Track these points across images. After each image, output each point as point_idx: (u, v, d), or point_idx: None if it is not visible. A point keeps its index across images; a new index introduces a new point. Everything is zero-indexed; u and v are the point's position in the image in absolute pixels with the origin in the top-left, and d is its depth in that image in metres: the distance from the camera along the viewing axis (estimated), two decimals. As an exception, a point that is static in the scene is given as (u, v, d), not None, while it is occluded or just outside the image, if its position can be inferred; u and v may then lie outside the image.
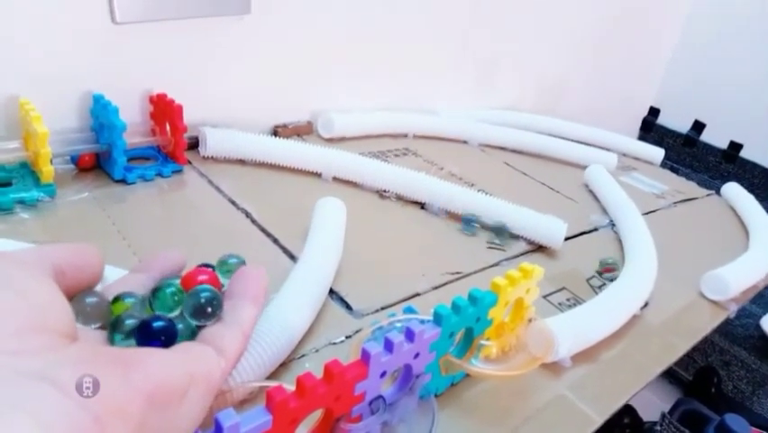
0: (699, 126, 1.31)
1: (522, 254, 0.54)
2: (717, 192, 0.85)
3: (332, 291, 0.42)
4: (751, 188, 0.85)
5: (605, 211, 0.68)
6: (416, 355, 0.29)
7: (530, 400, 0.36)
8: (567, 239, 0.56)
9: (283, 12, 0.64)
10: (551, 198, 0.71)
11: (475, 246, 0.54)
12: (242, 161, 0.60)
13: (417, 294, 0.45)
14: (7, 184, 0.47)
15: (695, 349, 0.47)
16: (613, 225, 0.65)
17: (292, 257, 0.46)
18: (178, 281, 0.27)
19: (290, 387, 0.23)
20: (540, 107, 1.05)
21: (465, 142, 0.83)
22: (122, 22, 0.52)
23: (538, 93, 1.08)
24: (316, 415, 0.26)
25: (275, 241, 0.48)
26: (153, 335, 0.23)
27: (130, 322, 0.23)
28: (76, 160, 0.52)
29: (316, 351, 0.36)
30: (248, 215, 0.51)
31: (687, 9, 1.29)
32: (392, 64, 0.80)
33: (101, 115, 0.51)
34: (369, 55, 0.76)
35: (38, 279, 0.20)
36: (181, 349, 0.22)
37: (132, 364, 0.19)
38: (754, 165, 1.23)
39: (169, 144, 0.57)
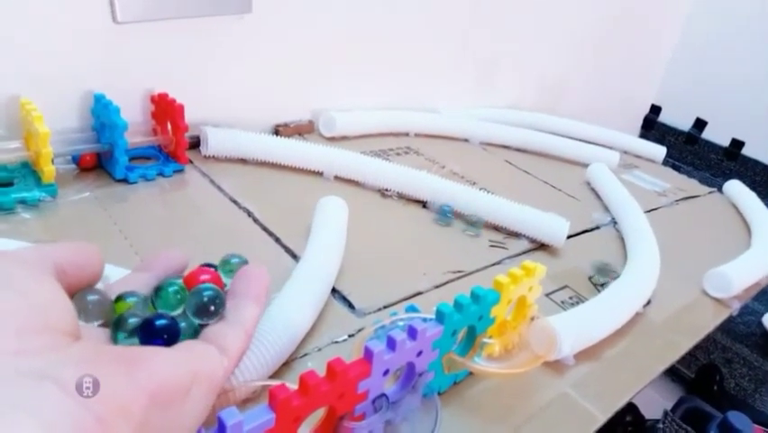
0: (700, 124, 1.30)
1: (524, 253, 0.54)
2: (719, 190, 0.85)
3: (334, 290, 0.42)
4: (753, 185, 0.84)
5: (607, 209, 0.68)
6: (419, 353, 0.29)
7: (533, 398, 0.36)
8: (569, 237, 0.55)
9: (284, 11, 0.64)
10: (552, 196, 0.71)
11: (477, 245, 0.54)
12: (243, 161, 0.60)
13: (419, 293, 0.44)
14: (9, 184, 0.47)
15: (697, 347, 0.47)
16: (615, 223, 0.65)
17: (294, 256, 0.46)
18: (180, 280, 0.27)
19: (293, 385, 0.23)
20: (541, 106, 1.05)
21: (466, 140, 0.83)
22: (123, 21, 0.52)
23: (539, 92, 1.07)
24: (319, 413, 0.26)
25: (277, 240, 0.48)
26: (156, 333, 0.23)
27: (133, 321, 0.23)
28: (77, 159, 0.52)
29: (319, 350, 0.36)
30: (250, 214, 0.51)
31: (687, 7, 1.28)
32: (393, 63, 0.80)
33: (102, 115, 0.51)
34: (370, 54, 0.76)
35: (39, 278, 0.20)
36: (184, 348, 0.22)
37: (135, 363, 0.19)
38: (756, 162, 1.22)
39: (171, 144, 0.57)
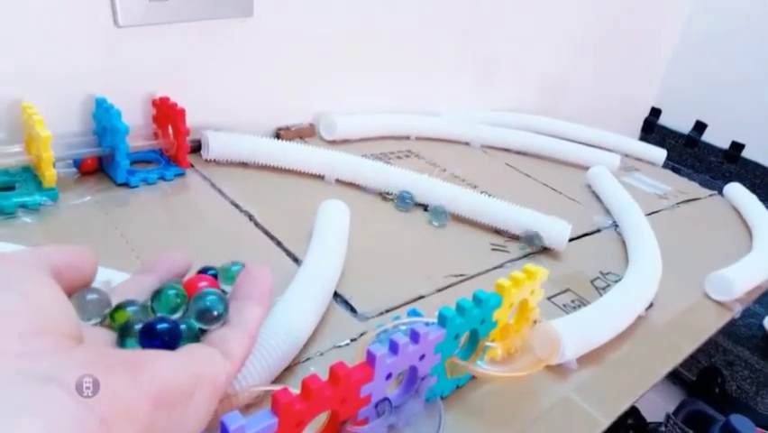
0: (700, 127, 1.31)
1: (525, 256, 0.54)
2: (720, 193, 0.85)
3: (336, 294, 0.42)
4: (753, 188, 0.84)
5: (608, 212, 0.68)
6: (422, 357, 0.29)
7: (536, 402, 0.36)
8: (570, 240, 0.55)
9: (285, 14, 0.64)
10: (553, 199, 0.71)
11: (479, 248, 0.54)
12: (244, 164, 0.60)
13: (421, 297, 0.44)
14: (10, 188, 0.47)
15: (698, 349, 0.47)
16: (616, 226, 0.65)
17: (296, 260, 0.46)
18: (179, 284, 0.26)
19: (296, 390, 0.23)
20: (541, 108, 1.05)
21: (467, 143, 0.83)
22: (124, 25, 0.52)
23: (539, 94, 1.08)
24: (322, 418, 0.26)
25: (278, 244, 0.48)
26: (157, 336, 0.22)
27: (139, 327, 0.23)
28: (78, 163, 0.52)
29: (321, 354, 0.36)
30: (251, 218, 0.51)
31: (687, 8, 1.29)
32: (394, 66, 0.80)
33: (103, 119, 0.51)
34: (370, 57, 0.76)
35: (39, 280, 0.20)
36: (187, 351, 0.22)
37: (139, 366, 0.19)
38: (756, 165, 1.22)
39: (172, 148, 0.57)
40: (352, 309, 0.41)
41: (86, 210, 0.48)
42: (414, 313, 0.35)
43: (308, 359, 0.35)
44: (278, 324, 0.33)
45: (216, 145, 0.58)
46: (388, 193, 0.59)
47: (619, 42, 1.18)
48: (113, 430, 0.16)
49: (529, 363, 0.34)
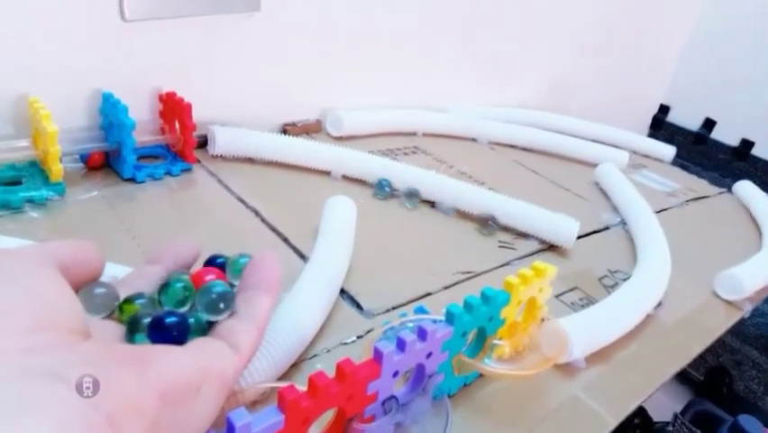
0: (709, 124, 1.29)
1: (533, 253, 0.54)
2: (729, 190, 0.85)
3: (342, 291, 0.41)
4: (762, 185, 0.83)
5: (616, 210, 0.68)
6: (429, 355, 0.28)
7: (543, 401, 0.36)
8: (578, 238, 0.55)
9: (292, 9, 0.64)
10: (561, 196, 0.70)
11: (486, 246, 0.54)
12: (251, 160, 0.60)
13: (428, 294, 0.44)
14: (17, 183, 0.47)
15: (706, 349, 0.47)
16: (624, 223, 0.64)
17: (302, 256, 0.46)
18: (186, 276, 0.26)
19: (302, 387, 0.23)
20: (549, 105, 1.04)
21: (474, 140, 0.82)
22: (131, 19, 0.52)
23: (547, 91, 1.07)
24: (329, 415, 0.25)
25: (285, 240, 0.48)
26: (166, 330, 0.22)
27: (147, 320, 0.23)
28: (85, 158, 0.52)
29: (328, 351, 0.36)
30: (257, 213, 0.51)
31: (698, 5, 1.27)
32: (401, 62, 0.79)
33: (110, 114, 0.51)
34: (378, 53, 0.76)
35: (45, 275, 0.20)
36: (195, 345, 0.22)
37: (146, 362, 0.19)
38: (766, 163, 1.21)
39: (179, 143, 0.56)
40: (359, 306, 0.41)
41: (93, 205, 0.48)
42: (421, 310, 0.35)
43: (315, 356, 0.35)
44: (285, 320, 0.33)
45: (223, 141, 0.58)
46: (395, 190, 0.59)
47: (628, 39, 1.17)
48: (119, 427, 0.16)
49: (537, 362, 0.34)
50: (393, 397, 0.27)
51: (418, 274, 0.46)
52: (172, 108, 0.56)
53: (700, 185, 0.86)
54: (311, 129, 0.71)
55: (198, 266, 0.28)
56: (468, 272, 0.48)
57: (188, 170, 0.56)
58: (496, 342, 0.34)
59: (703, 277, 0.55)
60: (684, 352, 0.45)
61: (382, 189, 0.58)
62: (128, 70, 0.55)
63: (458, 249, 0.52)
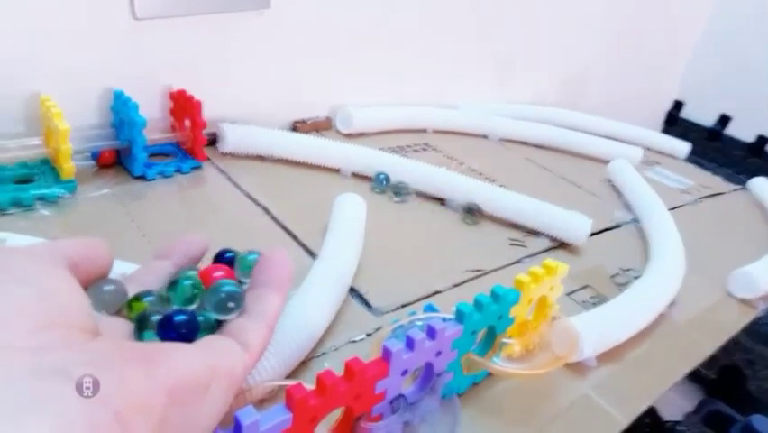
0: (724, 120, 1.28)
1: (544, 251, 0.53)
2: (743, 187, 0.83)
3: (351, 289, 0.41)
4: (778, 182, 0.82)
5: (629, 207, 0.67)
6: (438, 354, 0.28)
7: (554, 400, 0.35)
8: (590, 235, 0.54)
9: (302, 6, 0.64)
10: (573, 193, 0.70)
11: (496, 243, 0.53)
12: (260, 157, 0.60)
13: (438, 292, 0.44)
14: (28, 180, 0.47)
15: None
16: (637, 221, 0.63)
17: (311, 254, 0.46)
18: (195, 273, 0.26)
19: (310, 385, 0.23)
20: (561, 101, 1.04)
21: (485, 136, 0.82)
22: (142, 17, 0.52)
23: (559, 87, 1.06)
24: (336, 414, 0.25)
25: (294, 237, 0.48)
26: (175, 328, 0.22)
27: (156, 318, 0.23)
28: (96, 156, 0.53)
29: (336, 349, 0.36)
30: (267, 211, 0.51)
31: (712, -1, 1.26)
32: (412, 58, 0.79)
33: (121, 112, 0.51)
34: (388, 50, 0.76)
35: (54, 273, 0.20)
36: (204, 343, 0.22)
37: (154, 360, 0.19)
38: (782, 159, 1.20)
39: (189, 140, 0.57)
40: (368, 304, 0.41)
41: (104, 203, 0.48)
42: (430, 308, 0.34)
43: (323, 354, 0.35)
44: (294, 318, 0.33)
45: (233, 138, 0.58)
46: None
47: (641, 33, 1.15)
48: (127, 425, 0.16)
49: (548, 361, 0.34)
50: (401, 396, 0.27)
51: (428, 272, 0.46)
52: (183, 106, 0.56)
53: (715, 182, 0.85)
54: (321, 126, 0.71)
55: (207, 261, 0.28)
56: (478, 270, 0.48)
57: (198, 167, 0.56)
58: (505, 340, 0.33)
59: (717, 275, 0.54)
60: (697, 351, 0.44)
61: (380, 184, 0.58)
62: (139, 68, 0.55)
63: (468, 246, 0.52)
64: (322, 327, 0.35)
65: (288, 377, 0.31)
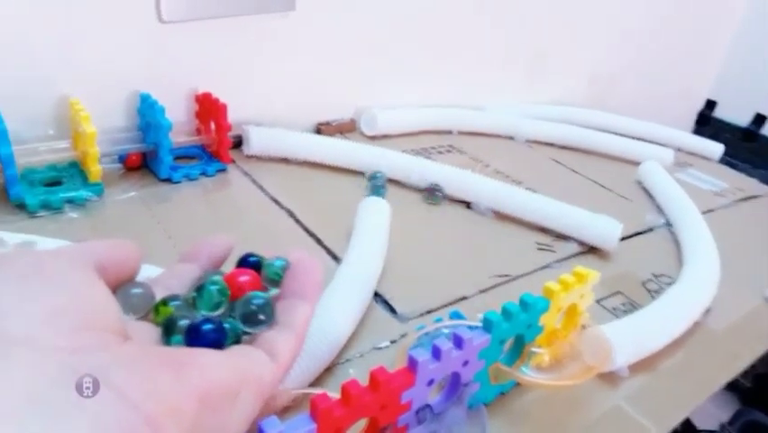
0: (759, 119, 1.24)
1: (573, 256, 0.52)
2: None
3: (376, 294, 0.41)
4: (818, 184, 0.79)
5: (661, 210, 0.65)
6: (465, 363, 0.28)
7: (584, 411, 0.34)
8: (620, 240, 0.53)
9: (327, 8, 0.63)
10: (602, 196, 0.68)
11: (524, 247, 0.52)
12: (285, 160, 0.60)
13: (464, 297, 0.43)
14: (57, 183, 0.48)
15: (756, 356, 0.44)
16: (669, 225, 0.62)
17: (335, 258, 0.45)
18: (221, 277, 0.26)
19: (335, 394, 0.23)
20: (590, 102, 1.02)
21: (511, 138, 0.81)
22: (168, 20, 0.53)
23: (588, 87, 1.04)
24: (361, 424, 0.25)
25: (318, 241, 0.47)
26: (203, 337, 0.22)
27: (183, 323, 0.22)
28: (123, 159, 0.53)
29: (361, 356, 0.35)
30: (291, 214, 0.51)
31: (746, -4, 1.22)
32: (437, 59, 0.78)
33: (148, 114, 0.52)
34: (413, 50, 0.75)
35: (84, 275, 0.20)
36: (233, 352, 0.22)
37: (186, 364, 0.19)
38: (820, 160, 1.16)
39: (214, 143, 0.57)
40: (392, 310, 0.40)
41: (131, 206, 0.48)
42: (456, 315, 0.34)
43: (348, 360, 0.35)
44: (318, 324, 0.32)
45: (257, 141, 0.58)
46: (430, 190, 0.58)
47: (673, 32, 1.13)
48: (158, 428, 0.16)
49: (579, 371, 0.33)
50: (427, 406, 0.27)
51: (453, 277, 0.45)
52: (208, 109, 0.56)
53: (750, 184, 0.82)
54: (345, 128, 0.71)
55: (230, 264, 0.28)
56: (505, 276, 0.47)
57: (223, 170, 0.56)
58: (534, 350, 0.33)
59: (754, 281, 0.52)
60: (734, 361, 0.42)
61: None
62: (165, 71, 0.56)
63: (495, 251, 0.51)
64: (346, 333, 0.35)
65: (312, 384, 0.31)
